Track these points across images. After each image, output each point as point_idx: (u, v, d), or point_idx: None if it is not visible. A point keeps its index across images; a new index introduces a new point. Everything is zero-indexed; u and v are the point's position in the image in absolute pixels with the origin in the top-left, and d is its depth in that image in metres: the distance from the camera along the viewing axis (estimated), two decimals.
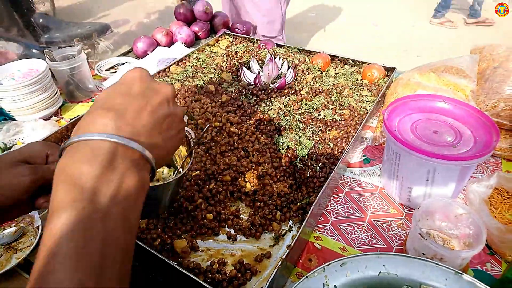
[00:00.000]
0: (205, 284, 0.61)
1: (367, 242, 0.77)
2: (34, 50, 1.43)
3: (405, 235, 0.78)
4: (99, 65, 1.44)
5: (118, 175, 0.34)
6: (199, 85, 1.20)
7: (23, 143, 1.06)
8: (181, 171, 0.63)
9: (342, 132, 0.97)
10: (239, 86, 1.16)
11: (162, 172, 0.73)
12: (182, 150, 0.68)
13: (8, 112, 1.15)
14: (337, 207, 0.85)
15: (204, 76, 1.26)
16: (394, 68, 1.26)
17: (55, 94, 1.21)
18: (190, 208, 0.83)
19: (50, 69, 1.21)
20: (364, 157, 0.99)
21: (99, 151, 0.33)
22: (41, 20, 1.54)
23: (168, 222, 0.81)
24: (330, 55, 1.31)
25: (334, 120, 1.01)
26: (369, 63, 1.29)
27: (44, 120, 1.15)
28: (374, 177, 0.93)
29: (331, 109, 1.04)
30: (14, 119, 1.15)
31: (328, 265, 0.62)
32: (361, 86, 1.20)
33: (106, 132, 0.34)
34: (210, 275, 0.70)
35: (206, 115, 1.04)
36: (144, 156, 0.37)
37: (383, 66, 1.26)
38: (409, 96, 0.91)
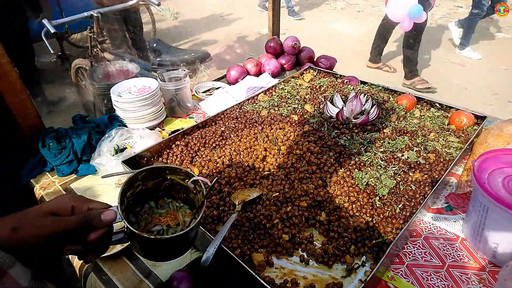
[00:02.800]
0: None
1: None
2: (146, 70, 1.69)
3: None
4: (197, 87, 1.64)
5: None
6: (283, 114, 1.30)
7: (132, 146, 1.25)
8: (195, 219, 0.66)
9: (426, 176, 0.97)
10: (321, 119, 1.23)
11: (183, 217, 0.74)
12: (199, 197, 0.70)
13: (122, 120, 1.37)
14: (414, 250, 0.84)
15: (288, 106, 1.36)
16: (485, 117, 1.22)
17: (161, 109, 1.41)
18: (268, 226, 0.90)
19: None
20: (447, 205, 0.97)
21: None
22: (154, 45, 1.82)
23: (247, 235, 0.89)
24: (416, 97, 1.32)
25: (418, 162, 1.01)
26: (457, 109, 1.26)
27: (150, 129, 1.34)
28: (456, 226, 0.91)
29: (415, 151, 1.05)
30: (126, 126, 1.37)
31: None
32: (448, 131, 1.17)
33: None
34: None
35: (289, 142, 1.13)
36: None
37: (472, 113, 1.22)
38: (503, 149, 0.88)
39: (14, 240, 0.51)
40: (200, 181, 0.67)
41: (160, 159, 1.16)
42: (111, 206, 0.60)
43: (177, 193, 0.75)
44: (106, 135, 1.26)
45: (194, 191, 0.70)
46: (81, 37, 4.26)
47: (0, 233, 0.50)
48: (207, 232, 0.81)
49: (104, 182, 1.15)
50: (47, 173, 1.19)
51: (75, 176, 1.18)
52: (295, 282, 0.77)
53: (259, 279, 0.70)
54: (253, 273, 0.71)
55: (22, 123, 1.16)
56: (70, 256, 0.93)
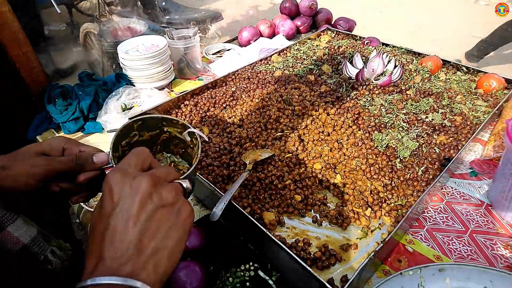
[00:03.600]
0: (296, 257, 0.62)
1: (465, 256, 0.71)
2: (154, 29, 1.62)
3: None
4: (207, 49, 1.57)
5: None
6: (298, 74, 1.23)
7: (139, 105, 1.20)
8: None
9: (451, 139, 0.90)
10: (339, 79, 1.15)
11: None
12: (195, 151, 0.65)
13: (130, 79, 1.32)
14: (435, 215, 0.80)
15: (304, 67, 1.28)
16: None
17: (169, 69, 1.35)
18: (279, 186, 0.86)
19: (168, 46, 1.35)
20: (471, 170, 0.91)
21: None
22: (163, 3, 1.73)
23: (258, 195, 0.85)
24: (442, 60, 1.22)
25: (443, 125, 0.94)
26: (486, 72, 1.17)
27: (158, 90, 1.29)
28: (480, 191, 0.85)
29: (440, 113, 0.97)
30: (134, 86, 1.32)
31: (425, 266, 0.59)
32: (475, 95, 1.09)
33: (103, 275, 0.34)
34: (294, 252, 0.72)
35: (304, 103, 1.06)
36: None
37: (503, 77, 1.13)
38: None
39: (3, 179, 0.48)
40: (196, 134, 0.62)
41: None
42: (103, 152, 0.57)
43: (175, 147, 0.72)
44: (113, 93, 1.21)
45: (192, 145, 0.66)
46: (90, 5, 4.17)
47: None
48: (217, 189, 0.77)
49: (111, 140, 1.11)
50: (53, 130, 1.16)
51: (82, 133, 1.14)
52: (307, 242, 0.74)
53: (271, 236, 0.66)
54: (265, 230, 0.67)
55: (26, 77, 1.12)
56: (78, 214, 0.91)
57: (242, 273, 0.68)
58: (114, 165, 0.55)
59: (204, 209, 0.86)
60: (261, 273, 0.69)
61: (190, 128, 0.63)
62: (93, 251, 0.37)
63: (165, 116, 0.65)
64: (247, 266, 0.69)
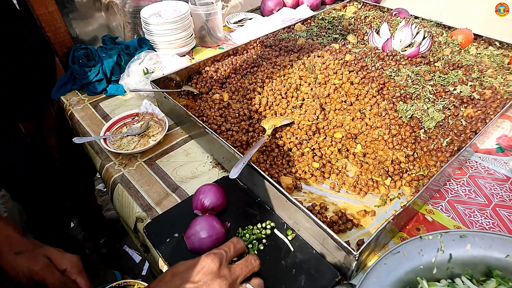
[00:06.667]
0: (314, 217, 0.62)
1: (487, 228, 0.69)
2: None
3: None
4: (228, 17, 1.54)
5: None
6: (322, 43, 1.20)
7: (160, 70, 1.20)
8: None
9: (479, 112, 0.87)
10: (365, 49, 1.12)
11: None
12: None
13: (152, 44, 1.32)
14: (457, 187, 0.78)
15: (328, 36, 1.24)
16: None
17: (191, 36, 1.33)
18: (297, 153, 0.85)
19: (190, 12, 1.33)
20: (498, 146, 0.88)
21: None
22: None
23: (276, 161, 0.85)
24: (474, 34, 1.16)
25: (472, 97, 0.91)
26: None
27: (179, 56, 1.28)
28: (506, 167, 0.82)
29: (469, 85, 0.94)
30: (155, 51, 1.31)
31: (446, 232, 0.58)
32: (508, 70, 1.04)
33: None
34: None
35: (328, 71, 1.04)
36: None
37: None
38: None
39: (13, 263, 0.59)
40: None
41: (189, 83, 1.11)
42: None
43: None
44: (135, 57, 1.21)
45: None
46: None
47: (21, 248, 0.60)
48: (237, 152, 0.78)
49: (132, 103, 1.13)
50: (77, 91, 1.18)
51: (104, 95, 1.16)
52: (324, 206, 0.74)
53: (290, 196, 0.66)
54: (283, 191, 0.67)
55: (51, 37, 1.13)
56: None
57: (258, 231, 0.69)
58: None
59: (223, 171, 0.87)
60: (277, 232, 0.69)
61: None
62: None
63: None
64: (264, 224, 0.70)
